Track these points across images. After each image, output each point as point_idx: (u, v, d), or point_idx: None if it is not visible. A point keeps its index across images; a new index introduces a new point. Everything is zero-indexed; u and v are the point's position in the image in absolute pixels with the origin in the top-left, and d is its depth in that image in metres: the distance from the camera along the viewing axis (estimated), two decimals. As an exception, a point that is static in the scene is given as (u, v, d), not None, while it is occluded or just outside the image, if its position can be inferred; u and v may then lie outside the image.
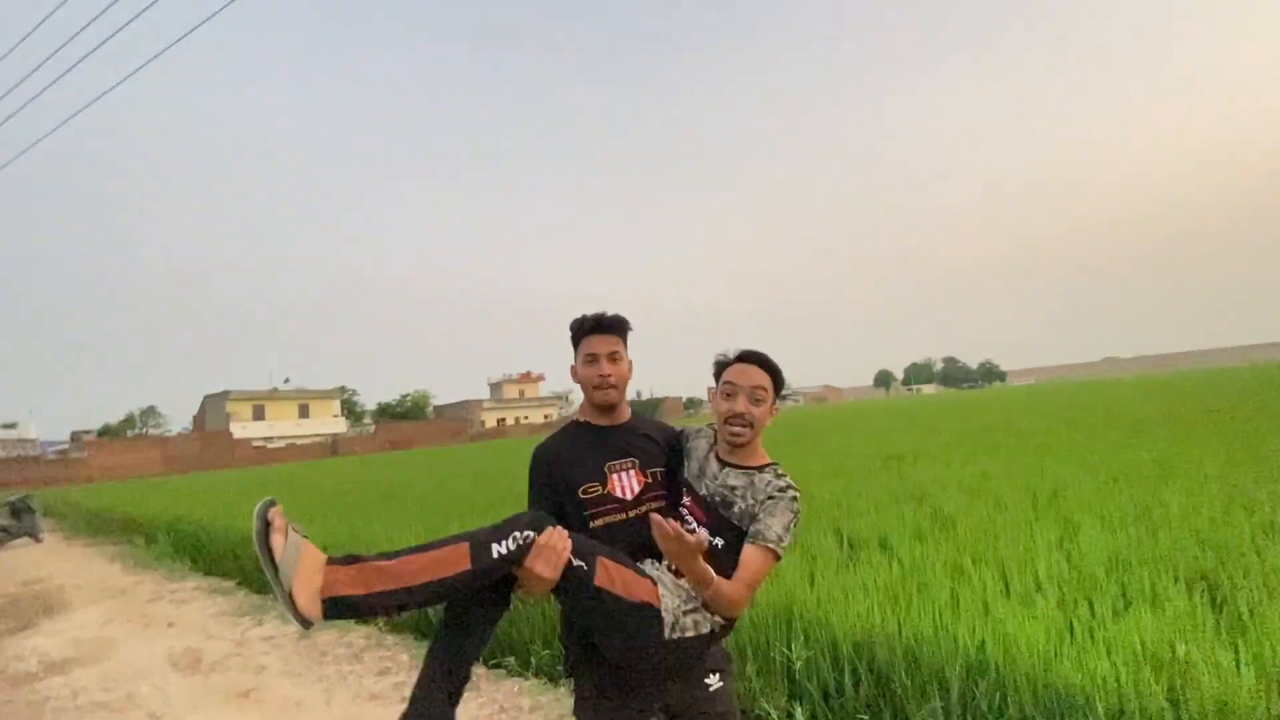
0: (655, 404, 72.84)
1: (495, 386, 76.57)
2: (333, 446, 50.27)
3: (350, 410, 65.10)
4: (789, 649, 2.85)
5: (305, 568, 1.27)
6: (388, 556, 1.34)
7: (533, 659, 3.75)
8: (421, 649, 4.32)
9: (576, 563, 1.33)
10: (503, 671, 3.81)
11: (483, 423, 65.92)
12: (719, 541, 1.49)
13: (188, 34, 9.16)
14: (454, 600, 1.37)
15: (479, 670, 3.86)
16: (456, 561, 1.30)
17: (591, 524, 1.55)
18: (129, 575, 8.19)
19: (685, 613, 1.39)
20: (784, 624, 2.99)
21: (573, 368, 1.69)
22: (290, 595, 1.24)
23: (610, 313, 1.65)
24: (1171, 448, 7.43)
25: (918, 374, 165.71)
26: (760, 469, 1.54)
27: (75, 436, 58.49)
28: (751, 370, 1.54)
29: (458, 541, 1.33)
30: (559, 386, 78.49)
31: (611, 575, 1.35)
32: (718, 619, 1.44)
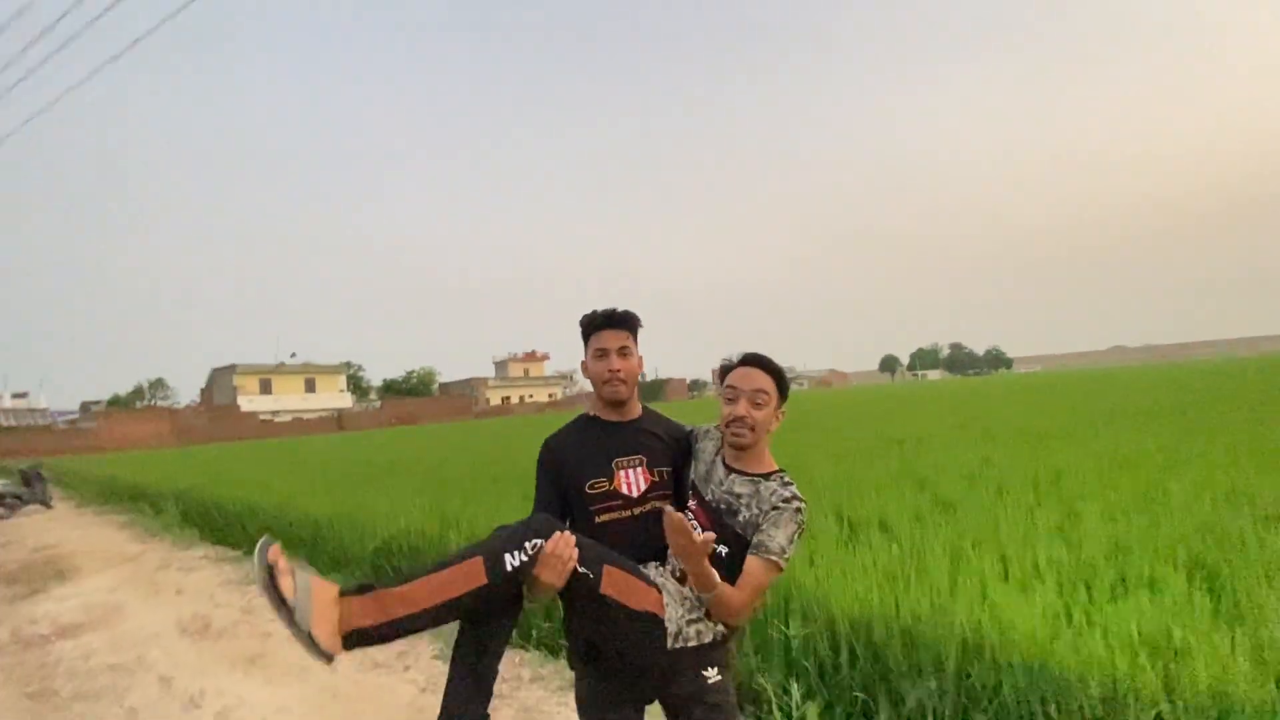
0: (660, 385, 72.94)
1: (500, 365, 76.76)
2: (339, 421, 50.67)
3: (356, 386, 65.46)
4: (786, 626, 2.88)
5: (319, 605, 1.27)
6: (402, 580, 1.34)
7: (534, 631, 3.80)
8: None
9: (582, 570, 1.33)
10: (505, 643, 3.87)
11: (487, 400, 66.22)
12: (722, 550, 1.49)
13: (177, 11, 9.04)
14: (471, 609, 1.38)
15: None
16: (471, 578, 1.30)
17: (596, 519, 1.56)
18: (138, 543, 8.33)
19: (689, 622, 1.40)
20: (782, 601, 3.02)
21: (583, 363, 1.70)
22: (310, 636, 1.24)
23: (621, 308, 1.65)
24: (1176, 437, 7.40)
25: (924, 360, 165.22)
26: (766, 476, 1.53)
27: (85, 407, 59.05)
28: (753, 374, 1.53)
29: (471, 556, 1.33)
30: (564, 366, 78.69)
31: (617, 583, 1.35)
32: (720, 628, 1.45)
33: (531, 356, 77.70)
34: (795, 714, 2.65)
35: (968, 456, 7.07)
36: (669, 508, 1.37)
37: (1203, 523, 3.72)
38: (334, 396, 57.37)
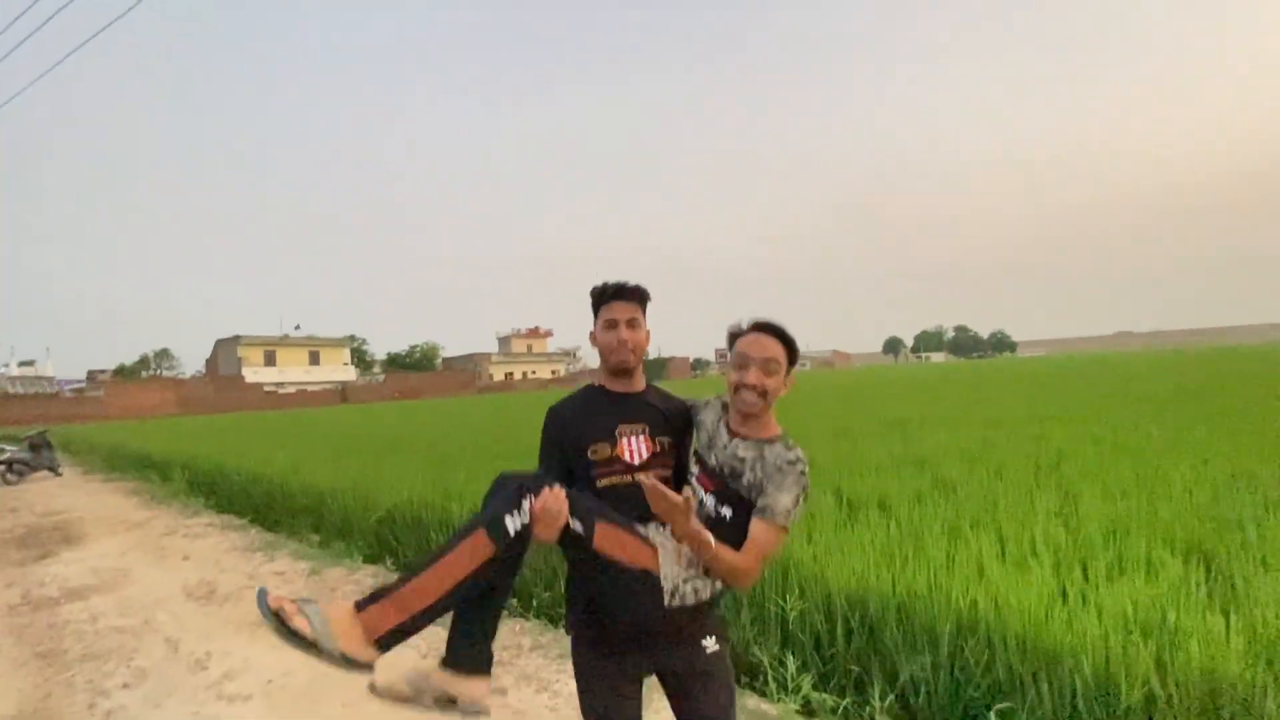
0: (662, 364, 73.02)
1: (504, 340, 76.82)
2: (343, 394, 50.92)
3: (360, 359, 65.68)
4: (784, 600, 2.92)
5: (339, 627, 1.28)
6: (411, 573, 1.35)
7: (534, 600, 3.86)
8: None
9: (575, 525, 1.34)
10: (505, 613, 3.93)
11: (490, 376, 66.40)
12: (726, 512, 1.50)
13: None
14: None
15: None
16: (479, 552, 1.32)
17: (598, 483, 1.58)
18: (145, 510, 8.43)
19: (685, 580, 1.40)
20: (780, 577, 3.05)
21: (591, 333, 1.71)
22: (343, 656, 1.27)
23: (631, 282, 1.67)
24: (1179, 422, 7.39)
25: (928, 342, 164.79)
26: (770, 441, 1.53)
27: (92, 376, 59.44)
28: (765, 341, 1.51)
29: (473, 531, 1.34)
30: (567, 343, 78.72)
31: (610, 539, 1.37)
32: (718, 585, 1.45)
33: (535, 333, 77.72)
34: (790, 685, 2.69)
35: (969, 438, 7.08)
36: (643, 476, 1.38)
37: (1201, 507, 3.73)
38: (338, 369, 57.59)
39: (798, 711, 2.64)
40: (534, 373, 70.76)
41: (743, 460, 1.51)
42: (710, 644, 1.54)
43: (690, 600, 1.40)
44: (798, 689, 2.67)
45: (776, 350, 1.51)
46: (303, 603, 1.32)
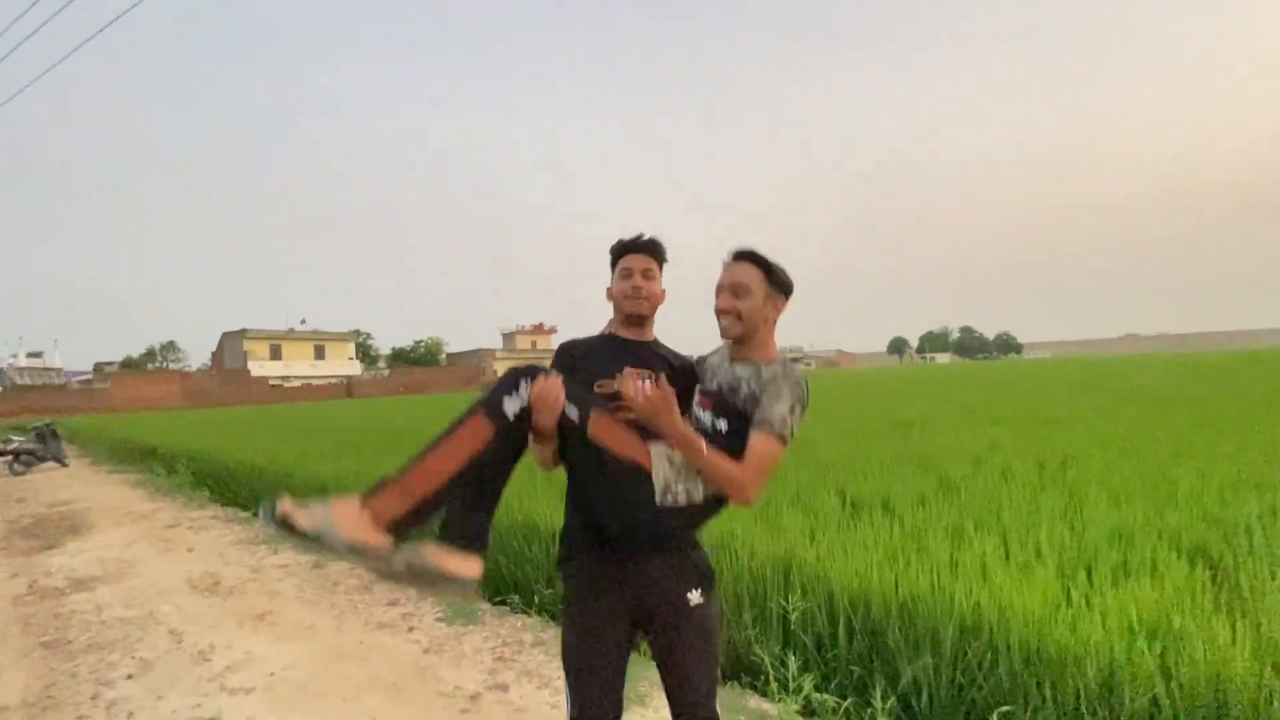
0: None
1: (508, 336, 76.92)
2: (347, 388, 51.10)
3: (365, 354, 65.88)
4: (786, 600, 2.91)
5: (345, 518, 1.28)
6: (415, 461, 1.36)
7: (536, 597, 3.86)
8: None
9: (570, 412, 1.37)
10: (506, 609, 3.94)
11: (495, 371, 66.50)
12: (722, 425, 1.51)
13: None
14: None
15: (484, 606, 3.99)
16: (479, 433, 1.35)
17: None
18: (150, 502, 8.48)
19: (678, 480, 1.41)
20: (782, 576, 3.04)
21: (608, 288, 1.75)
22: (349, 545, 1.26)
23: (648, 235, 1.70)
24: (1186, 426, 7.35)
25: (933, 342, 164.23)
26: (768, 363, 1.55)
27: (99, 368, 59.78)
28: (734, 267, 1.56)
29: (473, 415, 1.37)
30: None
31: (604, 428, 1.39)
32: (710, 489, 1.44)
33: (539, 329, 77.76)
34: (792, 685, 2.69)
35: (974, 440, 7.06)
36: (605, 381, 1.43)
37: (1208, 512, 3.71)
38: (343, 364, 57.79)
39: (799, 712, 2.63)
40: (538, 369, 70.67)
41: (740, 379, 1.53)
42: (695, 597, 1.53)
43: (682, 500, 1.40)
44: (799, 689, 2.67)
45: (746, 274, 1.53)
46: (311, 504, 1.32)
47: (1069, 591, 2.64)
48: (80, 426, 21.47)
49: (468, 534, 1.38)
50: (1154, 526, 3.45)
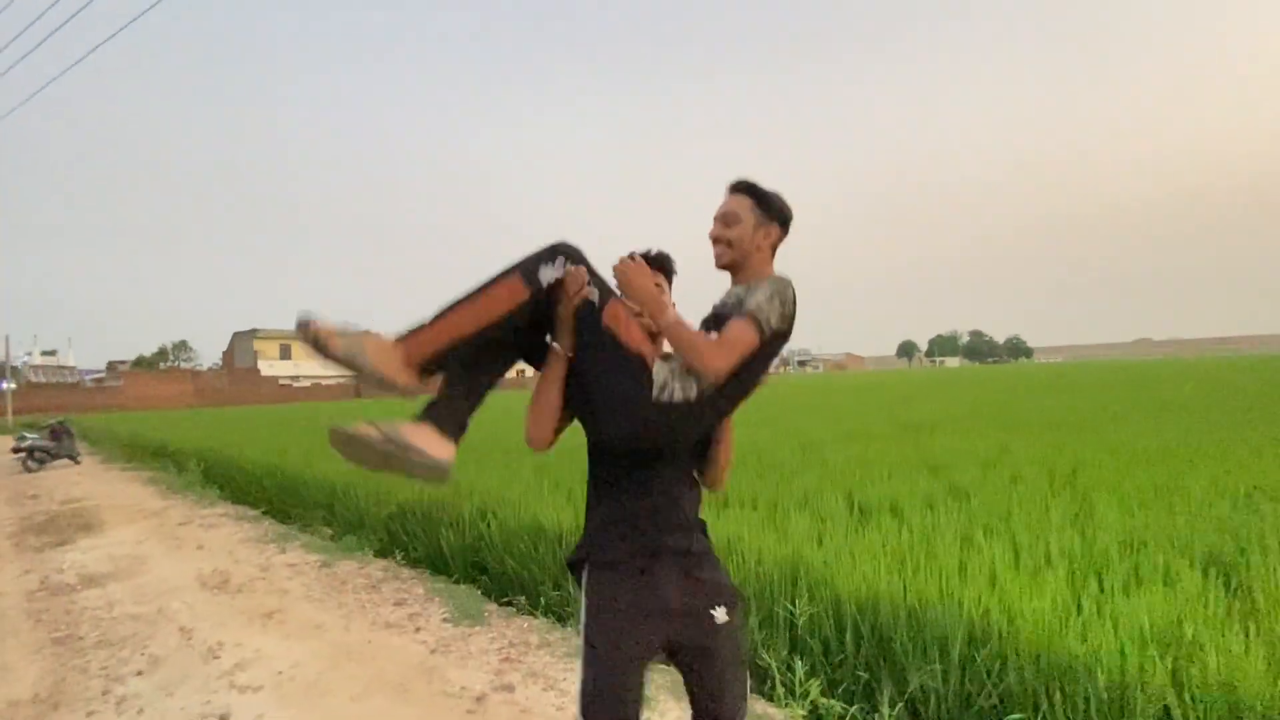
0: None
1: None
2: (356, 388, 51.35)
3: (374, 354, 66.10)
4: (793, 605, 2.90)
5: (377, 353, 1.29)
6: (447, 310, 1.37)
7: (542, 599, 3.87)
8: (437, 584, 4.48)
9: (592, 295, 1.40)
10: (513, 610, 3.94)
11: (503, 373, 66.64)
12: (714, 335, 1.50)
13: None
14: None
15: (490, 607, 4.00)
16: (515, 294, 1.36)
17: None
18: (161, 499, 8.55)
19: (673, 378, 1.42)
20: (789, 581, 3.03)
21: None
22: (379, 378, 1.28)
23: (658, 249, 1.69)
24: (1199, 432, 7.27)
25: (942, 346, 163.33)
26: (762, 280, 1.54)
27: (112, 366, 60.42)
28: (728, 198, 1.58)
29: (507, 276, 1.38)
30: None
31: (619, 317, 1.42)
32: (704, 386, 1.42)
33: (547, 330, 77.79)
34: (798, 690, 2.67)
35: (984, 444, 7.01)
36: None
37: (1222, 519, 3.67)
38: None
39: (805, 717, 2.61)
40: (546, 370, 70.82)
41: (733, 294, 1.55)
42: (720, 614, 1.50)
43: (678, 397, 1.40)
44: (805, 694, 2.65)
45: (735, 204, 1.56)
46: (343, 328, 1.32)
47: (1079, 599, 2.61)
48: (93, 424, 21.67)
49: (450, 418, 1.39)
50: (1166, 534, 3.41)
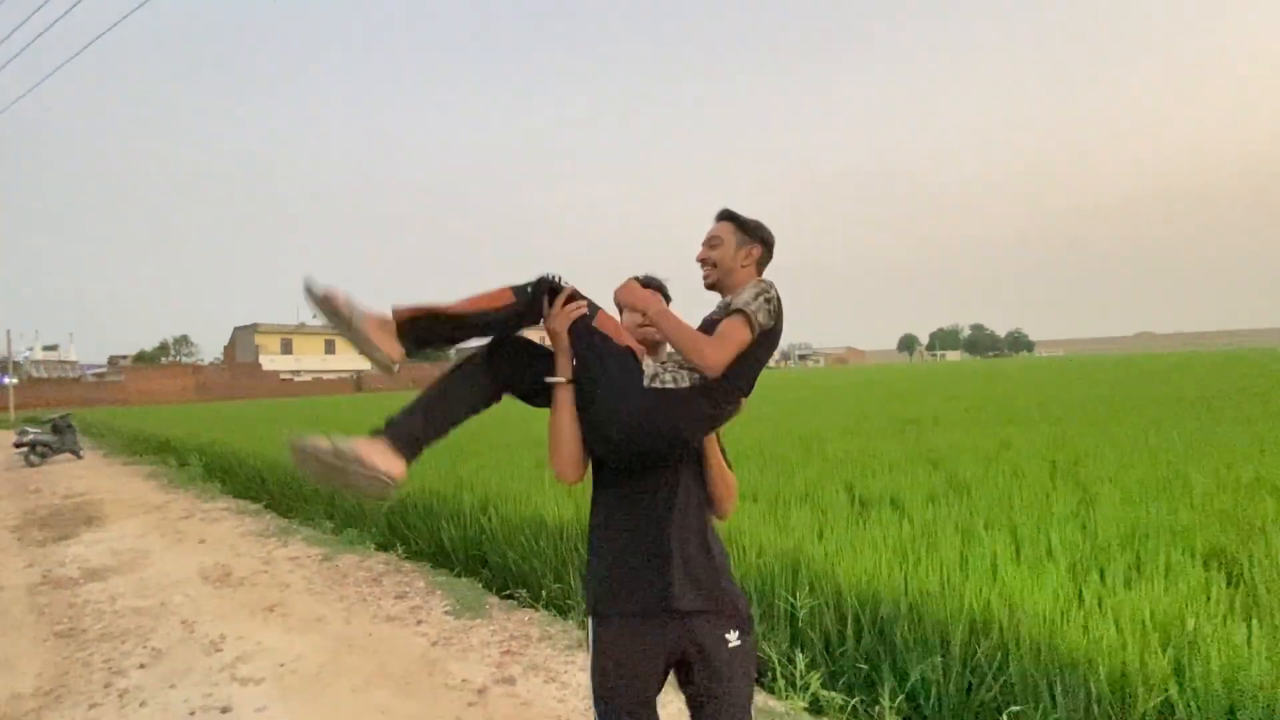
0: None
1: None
2: (357, 383, 51.43)
3: (375, 348, 66.16)
4: (794, 597, 2.90)
5: (371, 320, 1.39)
6: (441, 303, 1.48)
7: (544, 591, 3.87)
8: (438, 577, 4.49)
9: (583, 306, 1.52)
10: (514, 603, 3.95)
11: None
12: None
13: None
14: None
15: (491, 600, 4.01)
16: (502, 296, 1.49)
17: None
18: (163, 493, 8.57)
19: (664, 370, 1.48)
20: (790, 573, 3.03)
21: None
22: (371, 342, 1.37)
23: (644, 275, 1.73)
24: (1201, 425, 7.26)
25: (943, 340, 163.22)
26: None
27: (113, 361, 60.46)
28: (713, 225, 1.68)
29: (500, 288, 1.51)
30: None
31: (610, 323, 1.53)
32: (696, 375, 1.46)
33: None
34: (799, 683, 2.68)
35: (985, 438, 7.00)
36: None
37: (1224, 512, 3.66)
38: (353, 358, 58.13)
39: (806, 709, 2.62)
40: (547, 365, 70.84)
41: (722, 305, 1.62)
42: (733, 638, 1.50)
43: (670, 385, 1.45)
44: (806, 687, 2.66)
45: (718, 229, 1.66)
46: (350, 297, 1.42)
47: (1081, 591, 2.61)
48: (95, 419, 21.72)
49: (404, 436, 1.43)
50: (1168, 527, 3.40)
